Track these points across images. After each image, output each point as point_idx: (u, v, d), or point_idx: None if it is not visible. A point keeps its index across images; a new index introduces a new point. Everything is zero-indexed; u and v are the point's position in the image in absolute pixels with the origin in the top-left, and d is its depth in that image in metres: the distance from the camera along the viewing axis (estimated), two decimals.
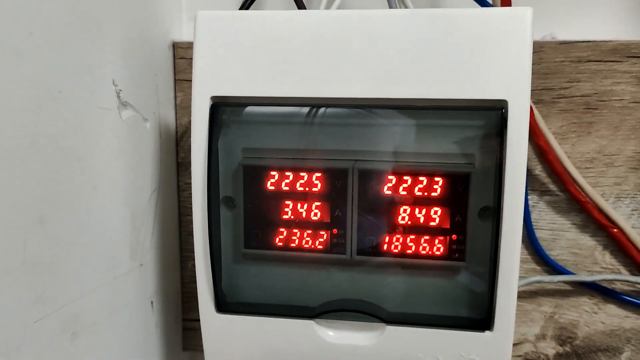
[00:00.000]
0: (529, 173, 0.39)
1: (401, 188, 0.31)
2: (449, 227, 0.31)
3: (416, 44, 0.30)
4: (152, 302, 0.39)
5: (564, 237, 0.40)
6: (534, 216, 0.40)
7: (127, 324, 0.36)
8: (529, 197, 0.39)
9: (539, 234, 0.40)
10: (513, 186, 0.29)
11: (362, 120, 0.31)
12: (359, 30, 0.30)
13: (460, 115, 0.30)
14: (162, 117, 0.40)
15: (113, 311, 0.34)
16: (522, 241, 0.39)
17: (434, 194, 0.30)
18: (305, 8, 0.38)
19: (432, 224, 0.31)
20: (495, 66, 0.29)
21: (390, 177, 0.31)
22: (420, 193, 0.31)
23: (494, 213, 0.30)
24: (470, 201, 0.30)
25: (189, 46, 0.41)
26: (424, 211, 0.31)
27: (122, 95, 0.34)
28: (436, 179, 0.30)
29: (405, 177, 0.31)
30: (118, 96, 0.34)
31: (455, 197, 0.30)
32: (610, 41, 0.38)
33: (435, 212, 0.31)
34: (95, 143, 0.32)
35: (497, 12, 0.30)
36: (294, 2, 0.38)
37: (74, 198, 0.30)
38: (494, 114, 0.29)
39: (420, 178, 0.30)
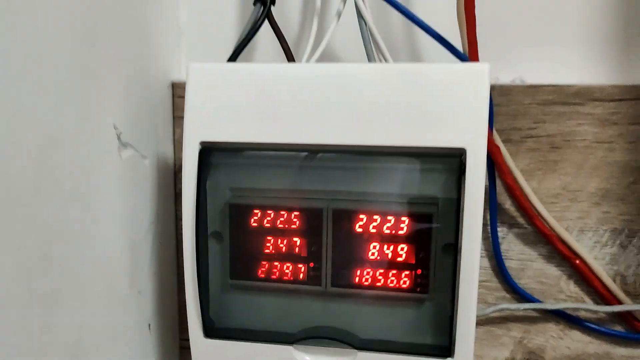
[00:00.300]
0: (499, 207, 0.42)
1: (371, 226, 0.33)
2: (414, 262, 0.33)
3: (387, 96, 0.32)
4: (149, 325, 0.42)
5: (531, 267, 0.42)
6: (503, 247, 0.42)
7: (126, 348, 0.38)
8: (498, 229, 0.42)
9: (508, 263, 0.42)
10: (471, 225, 0.32)
11: (337, 164, 0.34)
12: (336, 83, 0.33)
13: (425, 161, 0.33)
14: (160, 153, 0.43)
15: (112, 336, 0.37)
16: (492, 270, 0.42)
17: (400, 232, 0.33)
18: (294, 59, 0.41)
19: (399, 259, 0.33)
20: (455, 116, 0.32)
21: (361, 216, 0.34)
22: (388, 231, 0.33)
23: (455, 249, 0.32)
24: (433, 239, 0.33)
25: None
26: (391, 248, 0.33)
27: (122, 137, 0.37)
28: (403, 218, 0.33)
29: (375, 217, 0.33)
30: (118, 138, 0.36)
31: (420, 235, 0.33)
32: (574, 85, 0.40)
33: (402, 249, 0.33)
34: (96, 182, 0.34)
35: (459, 67, 0.33)
36: (282, 51, 0.41)
37: (76, 233, 0.32)
38: (453, 161, 0.32)
39: (389, 217, 0.33)
